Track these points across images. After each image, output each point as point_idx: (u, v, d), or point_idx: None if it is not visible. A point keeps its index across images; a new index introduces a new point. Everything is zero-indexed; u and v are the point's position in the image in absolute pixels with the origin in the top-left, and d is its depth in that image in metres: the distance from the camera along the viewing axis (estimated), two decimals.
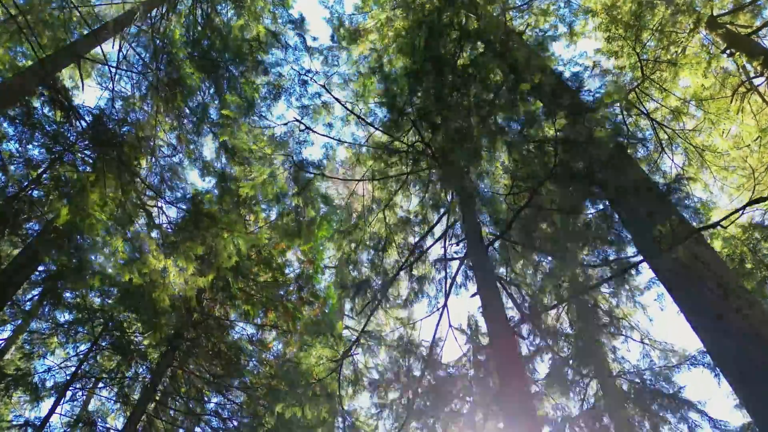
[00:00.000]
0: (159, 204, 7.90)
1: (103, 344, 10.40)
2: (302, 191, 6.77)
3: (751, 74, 11.16)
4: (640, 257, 6.02)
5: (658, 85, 9.28)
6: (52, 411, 9.78)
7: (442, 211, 6.38)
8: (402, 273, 7.89)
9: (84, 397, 10.92)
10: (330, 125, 6.49)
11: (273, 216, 14.25)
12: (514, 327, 4.17)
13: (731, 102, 10.20)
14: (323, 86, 5.56)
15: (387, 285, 6.52)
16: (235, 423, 10.30)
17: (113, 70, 8.37)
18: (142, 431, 10.33)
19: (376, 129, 5.83)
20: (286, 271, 12.89)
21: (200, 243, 6.70)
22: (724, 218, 3.89)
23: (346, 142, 6.50)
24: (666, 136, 8.57)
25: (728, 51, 10.60)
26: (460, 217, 5.40)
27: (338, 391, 6.10)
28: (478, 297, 4.72)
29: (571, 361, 5.90)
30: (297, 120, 6.11)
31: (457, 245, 5.82)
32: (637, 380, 5.73)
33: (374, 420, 6.29)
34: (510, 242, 5.69)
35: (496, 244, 5.77)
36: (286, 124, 6.25)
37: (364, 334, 6.66)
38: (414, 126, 4.88)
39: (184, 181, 8.15)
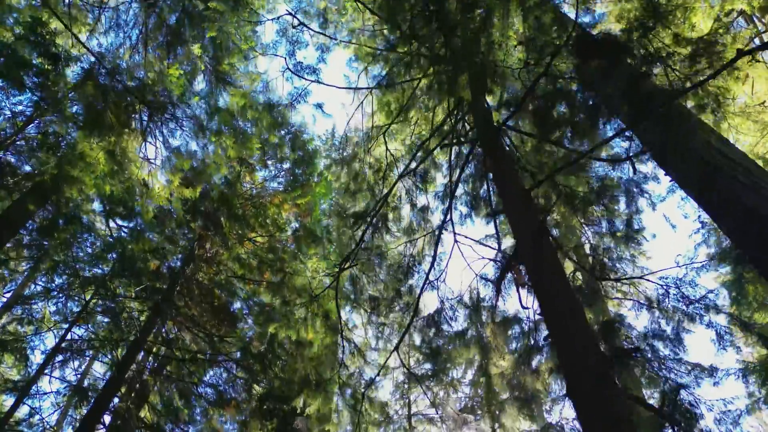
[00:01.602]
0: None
1: (96, 309, 10.06)
2: (296, 100, 6.29)
3: (761, 29, 10.78)
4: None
5: (669, 30, 8.85)
6: (39, 372, 9.38)
7: (447, 110, 5.88)
8: (404, 197, 7.44)
9: (77, 366, 10.53)
10: (325, 18, 5.98)
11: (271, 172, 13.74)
12: (530, 190, 3.71)
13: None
14: None
15: (386, 196, 6.04)
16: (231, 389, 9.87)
17: None
18: (135, 396, 9.91)
19: (376, 14, 5.32)
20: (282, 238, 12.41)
21: (187, 156, 6.23)
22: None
23: (343, 41, 6.00)
24: (679, 83, 8.18)
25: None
26: (469, 105, 4.93)
27: (336, 307, 5.63)
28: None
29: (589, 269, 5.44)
30: (290, 13, 5.62)
31: (466, 135, 5.33)
32: (660, 284, 5.28)
33: (373, 338, 5.83)
34: (523, 133, 5.21)
35: (510, 134, 5.28)
36: (278, 18, 5.76)
37: (365, 251, 6.20)
38: None
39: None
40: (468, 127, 5.54)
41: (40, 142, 9.83)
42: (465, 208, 7.20)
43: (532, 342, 5.61)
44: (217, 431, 10.18)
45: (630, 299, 6.05)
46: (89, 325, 10.33)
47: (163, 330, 10.56)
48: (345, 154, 7.91)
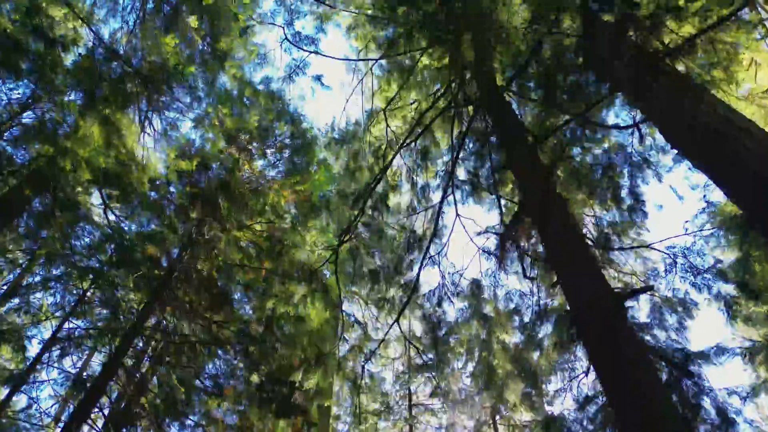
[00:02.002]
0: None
1: (94, 301, 9.99)
2: (294, 72, 6.16)
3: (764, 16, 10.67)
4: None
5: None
6: (36, 361, 9.28)
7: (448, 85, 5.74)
8: (404, 175, 7.33)
9: (76, 360, 10.43)
10: None
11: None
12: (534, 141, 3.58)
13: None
14: None
15: (385, 169, 5.91)
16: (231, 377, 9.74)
17: None
18: (133, 383, 9.78)
19: None
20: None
21: (183, 131, 6.10)
22: None
23: (343, 10, 5.87)
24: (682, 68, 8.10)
25: None
26: (471, 66, 4.80)
27: (336, 281, 5.50)
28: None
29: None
30: None
31: (467, 101, 5.21)
32: (667, 253, 5.15)
33: (373, 314, 5.70)
34: (527, 99, 5.09)
35: (516, 107, 5.15)
36: None
37: (365, 226, 6.07)
38: None
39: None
40: (468, 94, 5.40)
41: (37, 128, 9.72)
42: (467, 178, 7.03)
43: (537, 313, 5.48)
44: (215, 420, 10.04)
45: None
46: (86, 316, 10.24)
47: (163, 321, 10.43)
48: (345, 133, 7.79)
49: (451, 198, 6.51)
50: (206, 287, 10.43)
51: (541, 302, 5.98)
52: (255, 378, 9.25)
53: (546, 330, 5.61)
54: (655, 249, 5.11)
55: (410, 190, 7.55)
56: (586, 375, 7.97)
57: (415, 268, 6.03)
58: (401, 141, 6.04)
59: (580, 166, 5.92)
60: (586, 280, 2.46)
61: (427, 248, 5.67)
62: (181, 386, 9.71)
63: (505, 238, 4.05)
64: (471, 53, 4.47)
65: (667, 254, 5.05)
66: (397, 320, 5.24)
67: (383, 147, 7.48)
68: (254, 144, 12.69)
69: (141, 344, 10.58)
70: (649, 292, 6.06)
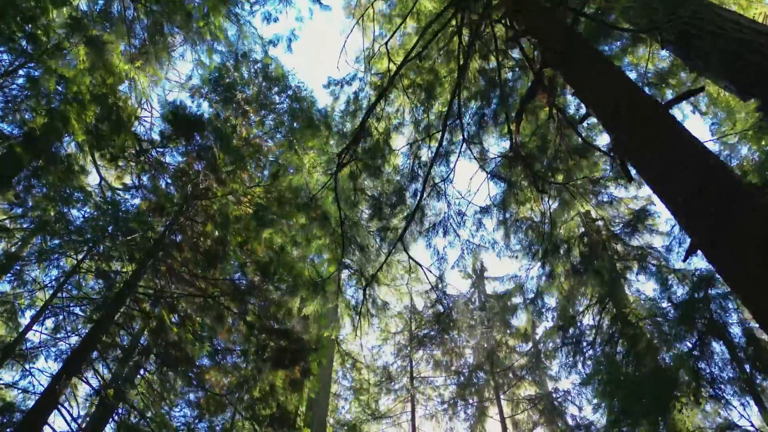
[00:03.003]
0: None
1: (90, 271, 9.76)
2: None
3: None
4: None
5: None
6: (28, 328, 9.00)
7: None
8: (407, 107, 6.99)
9: (68, 332, 10.19)
10: None
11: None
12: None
13: None
14: None
15: (386, 88, 5.56)
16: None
17: None
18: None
19: None
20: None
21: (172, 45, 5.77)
22: None
23: None
24: None
25: None
26: None
27: (336, 202, 5.15)
28: None
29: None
30: None
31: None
32: None
33: (375, 242, 5.38)
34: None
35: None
36: None
37: (365, 153, 5.74)
38: None
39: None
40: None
41: (29, 90, 9.43)
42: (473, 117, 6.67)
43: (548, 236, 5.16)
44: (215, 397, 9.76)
45: None
46: (81, 288, 10.00)
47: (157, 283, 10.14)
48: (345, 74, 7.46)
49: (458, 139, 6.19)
50: (202, 246, 10.12)
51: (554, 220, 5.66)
52: (254, 341, 8.96)
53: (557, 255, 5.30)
54: None
55: (412, 126, 7.22)
56: (591, 348, 7.64)
57: (418, 195, 5.70)
58: (403, 57, 5.68)
59: None
60: (620, 87, 2.12)
61: (430, 169, 5.32)
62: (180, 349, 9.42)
63: (526, 102, 3.70)
64: None
65: None
66: (399, 240, 4.92)
67: (385, 81, 7.14)
68: (252, 105, 12.38)
69: (136, 310, 10.29)
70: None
